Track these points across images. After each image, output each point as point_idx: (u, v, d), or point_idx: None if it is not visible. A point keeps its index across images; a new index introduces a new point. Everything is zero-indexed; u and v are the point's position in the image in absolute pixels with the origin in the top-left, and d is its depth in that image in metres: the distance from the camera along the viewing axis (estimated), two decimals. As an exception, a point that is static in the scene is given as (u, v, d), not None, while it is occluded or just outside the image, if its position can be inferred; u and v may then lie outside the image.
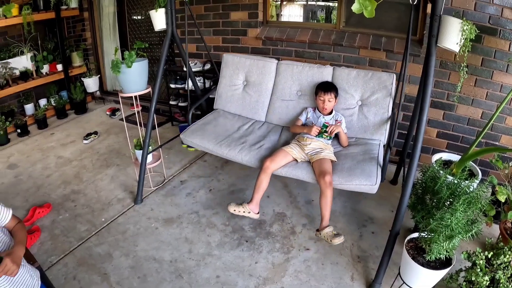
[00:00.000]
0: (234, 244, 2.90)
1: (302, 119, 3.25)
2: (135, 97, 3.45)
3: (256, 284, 2.54)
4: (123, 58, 3.21)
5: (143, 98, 5.78)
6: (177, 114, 5.24)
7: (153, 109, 3.37)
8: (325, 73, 3.33)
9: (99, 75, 6.53)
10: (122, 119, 5.33)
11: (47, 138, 5.43)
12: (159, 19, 3.43)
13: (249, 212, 2.91)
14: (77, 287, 2.68)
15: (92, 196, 3.75)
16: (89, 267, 2.85)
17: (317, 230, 2.79)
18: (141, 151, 3.43)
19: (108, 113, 6.07)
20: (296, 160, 2.91)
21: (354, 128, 3.24)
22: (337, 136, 3.13)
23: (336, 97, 3.14)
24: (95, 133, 5.21)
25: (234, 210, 2.92)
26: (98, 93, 6.70)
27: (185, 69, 4.61)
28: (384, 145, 3.13)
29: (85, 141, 5.05)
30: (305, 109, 3.29)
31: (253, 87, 3.59)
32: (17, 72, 5.94)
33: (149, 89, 3.48)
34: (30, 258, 1.93)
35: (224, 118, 3.63)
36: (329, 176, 2.63)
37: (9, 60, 5.83)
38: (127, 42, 6.15)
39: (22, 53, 5.96)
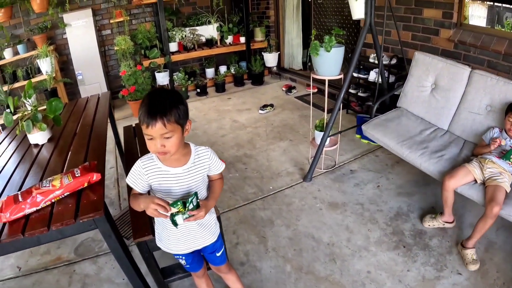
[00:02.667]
0: (391, 246, 2.83)
1: (486, 140, 2.95)
2: (327, 80, 3.52)
3: (402, 291, 2.48)
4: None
5: (320, 81, 5.95)
6: (353, 103, 5.23)
7: (342, 95, 3.45)
8: (520, 93, 2.97)
9: (278, 52, 6.84)
10: (298, 97, 5.69)
11: (223, 102, 5.94)
12: (358, 8, 3.44)
13: (443, 224, 2.96)
14: (234, 241, 2.94)
15: (263, 163, 4.03)
16: (249, 226, 3.10)
17: (462, 244, 2.69)
18: (322, 132, 3.54)
19: (284, 89, 6.38)
20: (475, 180, 2.69)
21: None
22: None
23: None
24: (271, 105, 5.53)
25: (429, 225, 2.99)
26: (275, 68, 7.07)
27: (371, 60, 4.63)
28: None
29: (260, 111, 5.40)
30: (491, 129, 2.97)
31: (441, 92, 3.39)
32: (203, 39, 6.69)
33: (342, 76, 3.52)
34: (215, 208, 2.13)
35: (407, 119, 3.54)
36: (498, 208, 2.43)
37: (197, 27, 6.57)
38: (310, 24, 6.29)
39: (209, 22, 6.66)
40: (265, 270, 2.65)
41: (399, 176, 3.70)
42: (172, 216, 1.58)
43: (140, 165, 1.66)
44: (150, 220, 2.18)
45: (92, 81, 6.10)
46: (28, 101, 2.97)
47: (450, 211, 2.88)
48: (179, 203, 1.57)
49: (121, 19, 5.92)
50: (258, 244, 2.90)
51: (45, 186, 1.94)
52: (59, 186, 1.94)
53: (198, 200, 1.63)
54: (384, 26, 3.57)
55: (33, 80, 5.47)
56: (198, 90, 6.41)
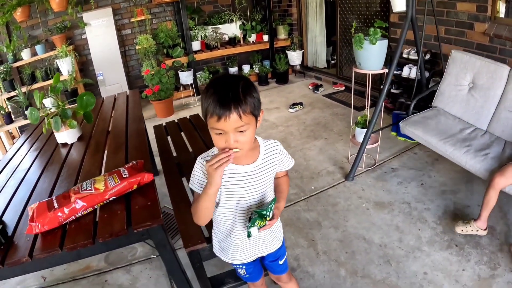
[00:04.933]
0: (444, 245, 2.72)
1: None
2: (369, 75, 3.42)
3: (460, 291, 2.40)
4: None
5: (346, 79, 5.94)
6: (385, 100, 5.09)
7: (385, 91, 3.31)
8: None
9: (302, 50, 6.74)
10: (326, 96, 5.65)
11: (250, 101, 5.83)
12: (399, 0, 3.32)
13: (477, 230, 2.72)
14: (283, 244, 2.80)
15: (301, 163, 3.90)
16: (296, 229, 2.95)
17: None
18: (363, 129, 3.41)
19: (310, 87, 6.28)
20: None
21: None
22: None
23: None
24: (301, 103, 5.41)
25: (462, 230, 2.75)
26: (298, 67, 6.97)
27: (404, 55, 4.50)
28: None
29: (290, 110, 5.29)
30: None
31: (480, 91, 3.25)
32: (226, 37, 6.54)
33: (385, 70, 3.38)
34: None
35: (446, 118, 3.39)
36: None
37: (219, 26, 6.43)
38: (335, 21, 6.11)
39: (231, 21, 6.52)
40: (319, 275, 2.51)
41: (440, 173, 3.58)
42: (247, 227, 1.43)
43: (201, 163, 1.42)
44: (199, 226, 1.99)
45: (112, 82, 6.01)
46: (52, 99, 2.78)
47: (487, 216, 2.70)
48: (257, 218, 1.41)
49: (143, 18, 5.83)
50: (308, 247, 2.76)
51: (86, 190, 1.69)
52: (103, 189, 1.70)
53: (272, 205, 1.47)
54: (424, 21, 3.42)
55: (53, 82, 5.38)
56: (222, 89, 6.29)
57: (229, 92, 1.21)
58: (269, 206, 1.42)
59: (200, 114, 3.57)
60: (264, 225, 1.43)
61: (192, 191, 1.51)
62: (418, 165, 3.73)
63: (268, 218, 1.42)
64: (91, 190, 1.70)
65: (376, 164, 3.80)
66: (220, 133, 1.26)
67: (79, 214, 1.65)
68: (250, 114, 1.25)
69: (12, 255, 1.49)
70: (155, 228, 1.65)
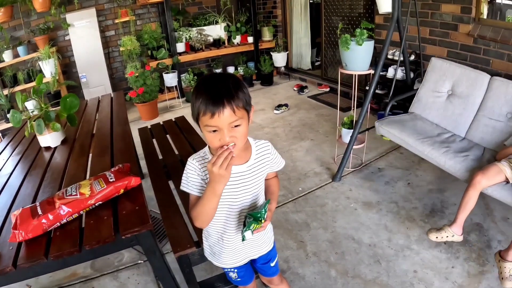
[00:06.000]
0: (433, 243, 2.73)
1: (508, 144, 2.84)
2: (355, 76, 3.43)
3: (451, 288, 2.39)
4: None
5: (332, 80, 5.95)
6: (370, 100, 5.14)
7: (371, 92, 3.33)
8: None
9: (287, 52, 6.76)
10: (312, 97, 5.66)
11: (235, 103, 5.85)
12: (384, 1, 3.34)
13: (452, 236, 2.58)
14: (271, 247, 2.79)
15: (288, 164, 3.89)
16: (285, 231, 2.94)
17: (500, 254, 2.41)
18: (350, 130, 3.42)
19: (295, 89, 6.30)
20: (507, 180, 2.51)
21: None
22: None
23: None
24: (286, 105, 5.43)
25: (436, 238, 2.62)
26: (283, 68, 6.98)
27: (389, 56, 4.53)
28: None
29: (276, 111, 5.30)
30: None
31: (459, 99, 3.26)
32: (211, 39, 6.49)
33: (371, 71, 3.40)
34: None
35: (422, 123, 3.38)
36: None
37: (204, 27, 6.38)
38: (321, 23, 6.13)
39: (216, 22, 6.49)
40: (309, 277, 2.51)
41: (427, 172, 3.62)
42: (241, 231, 1.41)
43: (194, 164, 1.39)
44: (188, 230, 1.97)
45: (96, 84, 5.93)
46: (35, 101, 2.70)
47: (464, 220, 2.56)
48: (252, 221, 1.39)
49: (127, 19, 5.75)
50: (297, 249, 2.76)
51: (70, 195, 1.63)
52: (89, 194, 1.64)
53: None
54: (407, 22, 3.45)
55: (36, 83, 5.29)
56: (206, 92, 6.27)
57: (221, 88, 1.22)
58: (263, 209, 1.41)
59: (186, 116, 3.60)
60: (258, 227, 1.41)
61: (180, 194, 1.47)
62: (404, 165, 3.77)
63: (263, 221, 1.41)
64: (76, 195, 1.64)
65: (363, 164, 3.83)
66: (215, 130, 1.24)
67: (64, 221, 1.59)
68: (243, 108, 1.25)
69: (-5, 264, 1.43)
70: (144, 233, 1.60)
